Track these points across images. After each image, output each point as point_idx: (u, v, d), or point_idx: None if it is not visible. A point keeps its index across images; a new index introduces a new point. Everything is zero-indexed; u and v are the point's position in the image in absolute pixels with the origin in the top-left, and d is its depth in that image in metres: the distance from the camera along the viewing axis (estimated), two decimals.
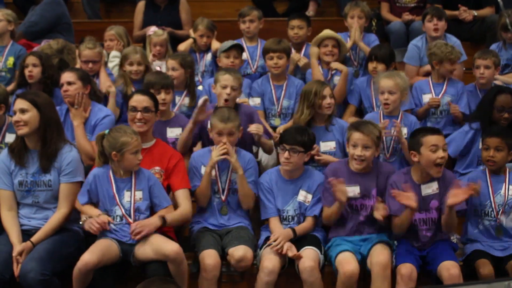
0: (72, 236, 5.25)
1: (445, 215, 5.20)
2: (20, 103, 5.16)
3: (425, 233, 5.34)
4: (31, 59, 6.43)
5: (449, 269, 5.07)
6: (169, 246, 4.95)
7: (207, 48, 7.47)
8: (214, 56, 7.31)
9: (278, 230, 5.34)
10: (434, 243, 5.35)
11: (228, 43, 6.80)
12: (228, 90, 5.91)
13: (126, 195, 5.15)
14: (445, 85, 6.68)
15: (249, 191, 5.45)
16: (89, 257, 4.88)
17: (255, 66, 7.35)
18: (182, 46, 7.46)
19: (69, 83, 5.96)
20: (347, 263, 5.13)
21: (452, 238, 5.49)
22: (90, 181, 5.19)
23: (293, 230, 5.33)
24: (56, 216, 5.17)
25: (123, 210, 5.12)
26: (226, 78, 5.93)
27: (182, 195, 5.41)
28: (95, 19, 8.66)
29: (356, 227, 5.43)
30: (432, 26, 7.26)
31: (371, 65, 6.77)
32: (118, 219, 5.14)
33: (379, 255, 5.15)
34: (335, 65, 6.87)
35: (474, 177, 5.57)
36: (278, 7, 8.86)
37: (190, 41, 7.50)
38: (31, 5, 8.36)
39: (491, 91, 6.06)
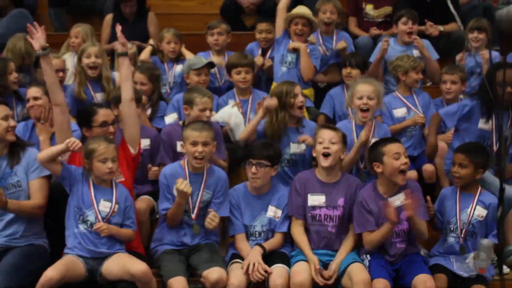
0: (37, 251, 5.20)
1: (411, 227, 5.25)
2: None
3: (398, 246, 5.32)
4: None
5: (425, 282, 5.06)
6: (135, 266, 4.87)
7: (176, 58, 7.41)
8: None
9: (245, 250, 5.32)
10: (405, 256, 5.34)
11: (200, 60, 6.75)
12: (208, 113, 5.89)
13: (102, 204, 5.09)
14: (415, 97, 6.70)
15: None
16: (52, 273, 4.77)
17: (222, 80, 7.28)
18: (142, 55, 7.40)
19: (35, 98, 5.89)
20: (298, 273, 5.12)
21: (420, 252, 5.50)
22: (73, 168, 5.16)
23: (262, 247, 5.28)
24: (29, 202, 5.18)
25: (99, 216, 5.06)
26: (205, 102, 5.89)
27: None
28: (62, 31, 8.50)
29: (323, 239, 5.40)
30: (407, 29, 7.31)
31: (345, 71, 6.80)
32: (88, 224, 5.06)
33: (360, 274, 5.12)
34: (292, 45, 6.89)
35: (445, 193, 5.61)
36: (246, 20, 8.76)
37: (148, 48, 7.47)
38: None
39: (492, 66, 5.94)
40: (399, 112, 6.65)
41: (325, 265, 5.27)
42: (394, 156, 5.21)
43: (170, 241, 5.40)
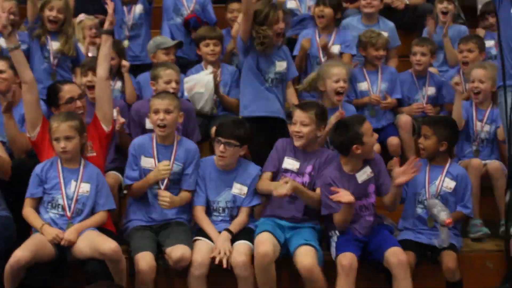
0: (5, 220, 5.06)
1: (392, 194, 5.22)
2: None
3: (367, 219, 5.26)
4: None
5: (397, 255, 4.99)
6: (106, 245, 4.75)
7: None
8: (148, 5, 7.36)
9: (204, 223, 5.27)
10: (373, 229, 5.28)
11: (167, 40, 6.69)
12: (173, 85, 5.80)
13: (72, 185, 4.99)
14: (379, 74, 6.65)
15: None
16: (21, 253, 4.65)
17: None
18: None
19: (0, 72, 5.71)
20: (262, 243, 5.00)
21: (385, 222, 5.45)
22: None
23: (230, 231, 5.20)
24: None
25: (65, 200, 4.95)
26: (169, 73, 5.81)
27: None
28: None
29: (284, 204, 5.31)
30: (365, 3, 7.20)
31: (317, 9, 6.75)
32: (60, 208, 4.97)
33: (304, 259, 5.00)
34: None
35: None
36: None
37: None
38: None
39: None
40: (362, 86, 6.63)
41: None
42: (372, 134, 5.20)
43: (140, 217, 5.32)
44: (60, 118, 4.98)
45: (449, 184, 5.42)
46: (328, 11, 6.71)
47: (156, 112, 5.24)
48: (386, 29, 7.22)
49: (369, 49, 6.61)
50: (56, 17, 6.46)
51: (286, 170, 5.32)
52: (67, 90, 5.36)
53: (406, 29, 7.69)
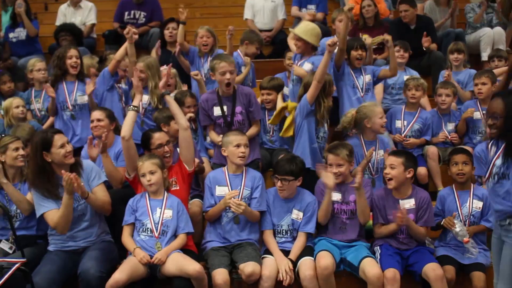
0: (110, 245, 4.82)
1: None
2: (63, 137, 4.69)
3: (401, 240, 4.88)
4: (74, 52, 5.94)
5: (434, 269, 4.63)
6: (191, 266, 4.43)
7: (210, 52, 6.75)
8: None
9: (272, 245, 4.84)
10: (413, 247, 4.86)
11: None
12: (227, 75, 5.27)
13: (158, 212, 4.68)
14: (416, 116, 6.17)
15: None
16: (119, 276, 4.39)
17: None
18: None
19: (99, 120, 5.33)
20: (323, 258, 4.67)
21: (427, 243, 4.96)
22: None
23: (291, 260, 4.77)
24: (101, 197, 4.74)
25: (152, 224, 4.64)
26: (223, 66, 5.27)
27: None
28: None
29: (338, 229, 4.92)
30: (399, 55, 6.72)
31: (356, 53, 6.08)
32: (149, 231, 4.64)
33: (372, 269, 4.64)
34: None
35: (443, 193, 5.13)
36: (264, 50, 8.20)
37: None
38: None
39: None
40: (398, 123, 6.18)
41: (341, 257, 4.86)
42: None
43: (216, 239, 4.92)
44: (144, 158, 4.76)
45: (478, 204, 5.00)
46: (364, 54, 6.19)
47: (238, 145, 4.90)
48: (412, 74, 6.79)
49: (407, 92, 6.14)
50: (139, 76, 5.78)
51: (334, 202, 4.90)
52: (157, 138, 5.01)
53: (421, 73, 7.10)
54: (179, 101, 5.91)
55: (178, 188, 4.89)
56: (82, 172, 4.68)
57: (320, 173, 4.87)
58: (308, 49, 5.92)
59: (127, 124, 4.76)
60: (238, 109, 5.33)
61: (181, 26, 6.71)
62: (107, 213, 4.82)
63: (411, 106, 6.17)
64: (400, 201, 4.82)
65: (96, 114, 5.38)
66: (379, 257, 4.78)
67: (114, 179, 5.06)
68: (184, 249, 4.69)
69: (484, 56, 7.83)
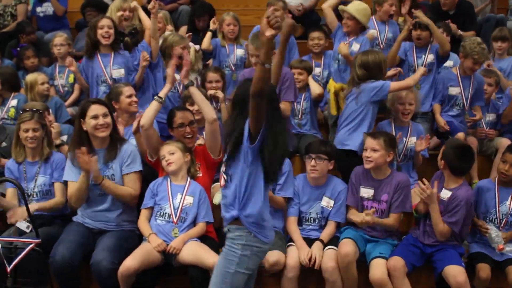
0: (128, 235, 4.53)
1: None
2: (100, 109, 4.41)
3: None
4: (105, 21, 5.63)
5: (455, 276, 4.29)
6: (211, 259, 4.13)
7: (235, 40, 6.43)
8: None
9: (295, 233, 4.60)
10: (442, 244, 4.51)
11: None
12: None
13: (178, 197, 4.43)
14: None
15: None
16: (130, 262, 4.18)
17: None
18: (204, 44, 6.36)
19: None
20: (345, 245, 4.43)
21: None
22: None
23: (322, 242, 4.55)
24: (125, 188, 4.48)
25: (172, 209, 4.40)
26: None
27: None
28: None
29: (368, 226, 4.61)
30: (390, 9, 6.30)
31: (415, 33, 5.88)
32: (167, 216, 4.39)
33: (376, 272, 4.38)
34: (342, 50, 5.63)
35: (483, 185, 4.73)
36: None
37: (208, 35, 6.43)
38: None
39: None
40: (453, 90, 5.72)
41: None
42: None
43: None
44: (166, 143, 4.55)
45: None
46: (425, 34, 5.90)
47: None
48: (452, 59, 6.39)
49: (467, 60, 5.53)
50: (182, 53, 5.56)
51: (363, 199, 4.61)
52: (179, 116, 4.71)
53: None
54: (202, 77, 5.72)
55: (200, 175, 4.62)
56: (119, 152, 4.47)
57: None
58: (357, 29, 5.69)
59: (148, 115, 4.45)
60: None
61: (209, 33, 6.44)
62: (132, 205, 4.58)
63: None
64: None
65: (132, 89, 5.13)
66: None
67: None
68: (203, 236, 4.45)
69: None
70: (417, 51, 5.99)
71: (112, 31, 5.62)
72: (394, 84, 4.98)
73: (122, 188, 4.47)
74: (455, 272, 4.28)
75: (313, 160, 4.58)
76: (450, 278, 4.28)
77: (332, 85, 5.66)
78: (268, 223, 3.37)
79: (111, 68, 5.65)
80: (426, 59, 5.93)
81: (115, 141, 4.49)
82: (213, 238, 4.55)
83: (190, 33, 6.37)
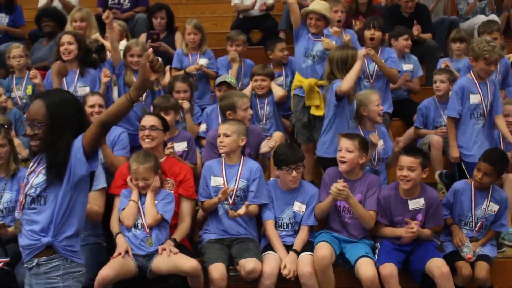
0: (96, 249, 4.42)
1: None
2: None
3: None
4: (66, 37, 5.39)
5: (440, 267, 4.34)
6: (188, 264, 4.11)
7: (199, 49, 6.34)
8: None
9: (274, 237, 4.52)
10: (418, 241, 4.54)
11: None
12: (250, 111, 5.09)
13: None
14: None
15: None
16: (106, 272, 4.05)
17: (239, 84, 6.25)
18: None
19: (100, 106, 4.94)
20: (321, 248, 4.40)
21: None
22: None
23: (296, 251, 4.49)
24: (92, 207, 4.25)
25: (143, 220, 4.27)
26: (246, 102, 5.04)
27: (186, 210, 4.53)
28: None
29: (341, 226, 4.62)
30: (407, 44, 6.42)
31: (368, 32, 5.80)
32: (139, 226, 4.29)
33: (366, 270, 4.35)
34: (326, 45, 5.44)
35: (459, 187, 4.73)
36: (253, 37, 7.89)
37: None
38: None
39: None
40: (474, 98, 5.27)
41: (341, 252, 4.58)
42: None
43: (213, 231, 4.60)
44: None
45: (493, 207, 4.66)
46: (378, 34, 5.84)
47: (218, 136, 4.60)
48: (411, 62, 6.54)
49: (480, 62, 5.13)
50: (137, 61, 5.53)
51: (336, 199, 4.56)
52: (144, 119, 4.69)
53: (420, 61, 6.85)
54: (170, 86, 5.63)
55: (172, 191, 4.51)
56: None
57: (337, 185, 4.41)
58: (325, 27, 5.62)
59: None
60: (247, 150, 4.95)
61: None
62: (96, 222, 4.43)
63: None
64: (409, 201, 4.51)
65: (98, 99, 4.97)
66: (377, 253, 4.51)
67: (115, 169, 4.69)
68: (178, 244, 4.36)
69: None
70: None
71: (72, 46, 5.36)
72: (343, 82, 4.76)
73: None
74: (439, 263, 4.33)
75: (294, 171, 4.51)
76: (434, 270, 4.29)
77: (306, 81, 5.47)
78: (78, 243, 3.10)
79: (76, 85, 5.46)
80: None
81: None
82: (187, 247, 4.47)
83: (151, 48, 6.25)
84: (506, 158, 4.75)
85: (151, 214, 4.24)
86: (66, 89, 5.35)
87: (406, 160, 4.46)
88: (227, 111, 4.98)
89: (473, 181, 4.67)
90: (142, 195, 4.33)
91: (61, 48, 5.37)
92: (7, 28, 7.34)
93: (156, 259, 4.20)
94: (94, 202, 4.32)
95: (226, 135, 4.55)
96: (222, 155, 4.67)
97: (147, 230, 4.27)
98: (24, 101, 6.12)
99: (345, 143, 4.55)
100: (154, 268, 4.18)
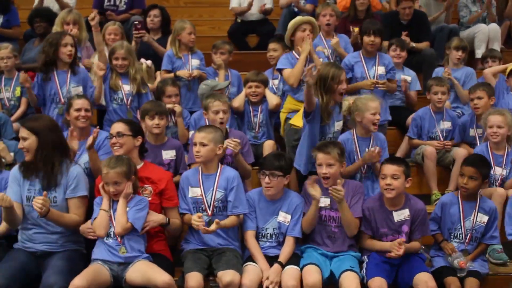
0: (76, 255, 4.26)
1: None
2: (22, 132, 4.15)
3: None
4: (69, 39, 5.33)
5: (426, 282, 4.17)
6: (160, 278, 3.92)
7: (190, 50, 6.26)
8: None
9: (254, 248, 4.38)
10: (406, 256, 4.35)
11: (217, 83, 5.69)
12: (221, 115, 4.93)
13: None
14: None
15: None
16: (79, 281, 3.86)
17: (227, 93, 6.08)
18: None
19: (86, 110, 4.83)
20: (310, 275, 4.17)
21: (420, 250, 4.49)
22: None
23: (281, 264, 4.32)
24: (70, 216, 4.18)
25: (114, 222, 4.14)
26: (217, 105, 4.94)
27: (174, 213, 4.39)
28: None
29: (327, 237, 4.46)
30: (395, 54, 6.29)
31: (368, 39, 5.68)
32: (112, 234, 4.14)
33: (349, 284, 4.17)
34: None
35: (447, 200, 4.60)
36: (249, 42, 7.78)
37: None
38: None
39: None
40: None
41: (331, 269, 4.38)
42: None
43: (194, 241, 4.44)
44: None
45: (483, 218, 4.50)
46: (378, 40, 5.74)
47: (194, 144, 4.43)
48: (410, 75, 6.44)
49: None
50: (122, 64, 5.50)
51: (320, 208, 4.41)
52: (113, 126, 4.54)
53: (415, 70, 6.69)
54: (160, 90, 5.50)
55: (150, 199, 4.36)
56: (63, 176, 4.18)
57: (307, 184, 4.37)
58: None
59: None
60: (228, 159, 4.85)
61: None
62: (76, 230, 4.28)
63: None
64: (394, 213, 4.36)
65: (84, 103, 4.83)
66: (365, 267, 4.34)
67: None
68: (156, 254, 4.23)
69: (478, 54, 7.42)
70: (366, 61, 5.78)
71: (73, 49, 5.35)
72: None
73: (67, 216, 4.18)
74: (425, 277, 4.18)
75: (267, 177, 4.36)
76: (420, 285, 4.14)
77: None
78: None
79: (69, 86, 5.35)
80: (377, 70, 5.75)
81: (62, 161, 4.20)
82: (167, 257, 4.33)
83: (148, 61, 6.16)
84: (486, 161, 4.67)
85: (120, 222, 4.08)
86: (59, 90, 5.31)
87: (389, 168, 4.33)
88: (204, 110, 5.05)
89: (459, 192, 4.54)
90: (115, 202, 4.18)
91: (65, 50, 5.28)
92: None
93: (130, 269, 4.05)
94: (74, 211, 4.20)
95: (202, 144, 4.39)
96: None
97: (119, 239, 4.11)
98: (12, 102, 6.01)
99: (323, 158, 4.37)
100: (128, 279, 4.03)
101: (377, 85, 5.56)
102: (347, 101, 4.99)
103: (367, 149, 4.83)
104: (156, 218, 4.24)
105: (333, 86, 4.74)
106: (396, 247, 4.22)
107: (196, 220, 4.21)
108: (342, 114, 4.99)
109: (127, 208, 4.13)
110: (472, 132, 5.68)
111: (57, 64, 5.34)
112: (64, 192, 4.18)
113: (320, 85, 4.71)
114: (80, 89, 5.36)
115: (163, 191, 4.37)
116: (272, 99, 5.66)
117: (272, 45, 6.29)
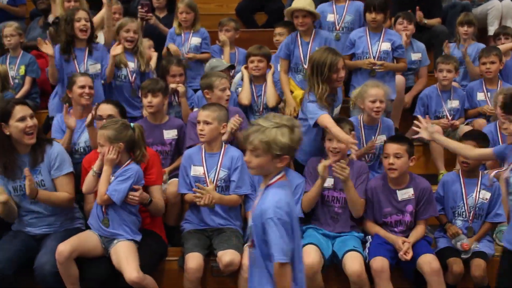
0: (74, 233, 4.12)
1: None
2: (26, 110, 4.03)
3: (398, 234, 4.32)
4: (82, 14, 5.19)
5: (430, 262, 4.10)
6: (128, 274, 3.84)
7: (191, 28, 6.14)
8: None
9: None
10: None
11: (221, 63, 5.58)
12: (228, 92, 4.84)
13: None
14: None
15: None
16: (63, 247, 3.86)
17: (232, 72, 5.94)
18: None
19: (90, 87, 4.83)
20: (308, 255, 4.03)
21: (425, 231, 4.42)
22: None
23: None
24: (59, 194, 4.12)
25: None
26: (224, 82, 4.83)
27: (156, 192, 4.25)
28: None
29: (330, 218, 4.38)
30: (402, 28, 6.10)
31: (370, 16, 5.47)
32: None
33: (353, 265, 4.11)
34: None
35: (448, 178, 4.50)
36: (257, 20, 7.65)
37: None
38: None
39: None
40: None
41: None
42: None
43: (194, 220, 4.39)
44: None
45: (485, 195, 4.41)
46: (380, 17, 5.49)
47: (198, 123, 4.34)
48: (419, 50, 6.26)
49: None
50: (133, 37, 5.44)
51: (323, 188, 4.33)
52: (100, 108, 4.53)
53: (426, 47, 6.55)
54: (164, 69, 5.39)
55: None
56: (45, 155, 4.09)
57: (321, 162, 4.21)
58: (312, 22, 5.33)
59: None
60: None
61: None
62: (70, 208, 4.26)
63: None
64: (398, 192, 4.28)
65: (88, 80, 4.80)
66: (368, 246, 4.28)
67: None
68: (147, 231, 4.19)
69: (491, 31, 7.19)
70: (371, 37, 5.54)
71: (89, 24, 5.20)
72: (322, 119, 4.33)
73: (56, 195, 4.12)
74: (429, 259, 4.11)
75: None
76: (424, 266, 4.08)
77: (297, 92, 5.19)
78: None
79: (86, 64, 5.24)
80: (380, 46, 5.53)
81: (40, 143, 4.09)
82: (161, 237, 4.29)
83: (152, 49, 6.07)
84: (485, 135, 4.59)
85: (99, 191, 3.97)
86: (76, 67, 5.21)
87: (391, 147, 4.24)
88: (204, 89, 4.85)
89: (460, 170, 4.46)
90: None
91: (79, 25, 5.14)
92: (5, 7, 7.18)
93: (112, 248, 3.98)
94: (63, 188, 4.14)
95: (206, 123, 4.30)
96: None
97: (103, 209, 4.02)
98: (17, 81, 6.00)
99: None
100: (111, 257, 3.98)
101: (374, 67, 5.35)
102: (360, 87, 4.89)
103: (373, 137, 4.71)
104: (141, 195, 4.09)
105: (331, 75, 4.42)
106: (402, 251, 4.16)
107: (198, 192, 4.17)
108: (340, 97, 4.87)
109: (112, 178, 4.01)
110: (480, 95, 5.62)
111: (75, 42, 5.23)
112: (49, 172, 4.11)
113: (317, 74, 4.43)
114: (98, 66, 5.28)
115: (146, 169, 4.22)
116: (271, 98, 5.39)
117: (278, 29, 6.09)
